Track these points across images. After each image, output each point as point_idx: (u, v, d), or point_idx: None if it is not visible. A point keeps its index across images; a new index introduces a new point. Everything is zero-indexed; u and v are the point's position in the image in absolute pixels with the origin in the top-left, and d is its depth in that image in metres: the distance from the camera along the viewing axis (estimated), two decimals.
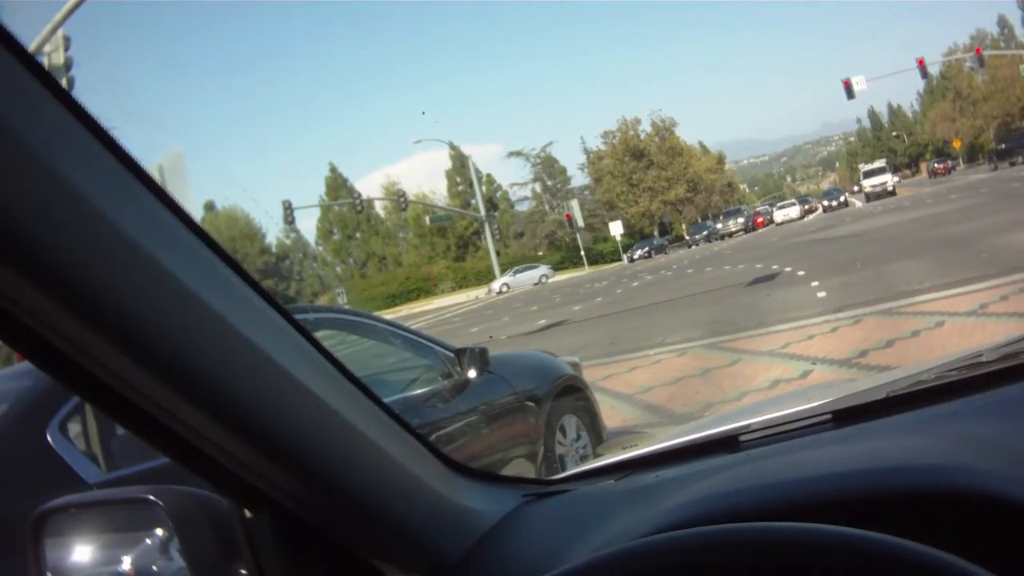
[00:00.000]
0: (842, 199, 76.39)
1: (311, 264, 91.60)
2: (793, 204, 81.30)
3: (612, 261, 73.85)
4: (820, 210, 77.32)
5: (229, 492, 1.24)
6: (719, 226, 77.82)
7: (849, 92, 50.32)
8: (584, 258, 71.98)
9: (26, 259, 0.84)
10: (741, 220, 76.42)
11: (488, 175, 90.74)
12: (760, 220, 76.74)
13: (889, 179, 70.96)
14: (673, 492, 1.37)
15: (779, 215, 76.69)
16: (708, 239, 74.18)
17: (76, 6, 15.77)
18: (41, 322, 0.92)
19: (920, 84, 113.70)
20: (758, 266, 26.96)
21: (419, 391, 6.06)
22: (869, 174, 73.40)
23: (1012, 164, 60.41)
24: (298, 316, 1.20)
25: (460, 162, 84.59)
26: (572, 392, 7.28)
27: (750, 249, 40.37)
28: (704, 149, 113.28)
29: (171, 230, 0.99)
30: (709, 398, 9.76)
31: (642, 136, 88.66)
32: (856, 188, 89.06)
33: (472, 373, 6.16)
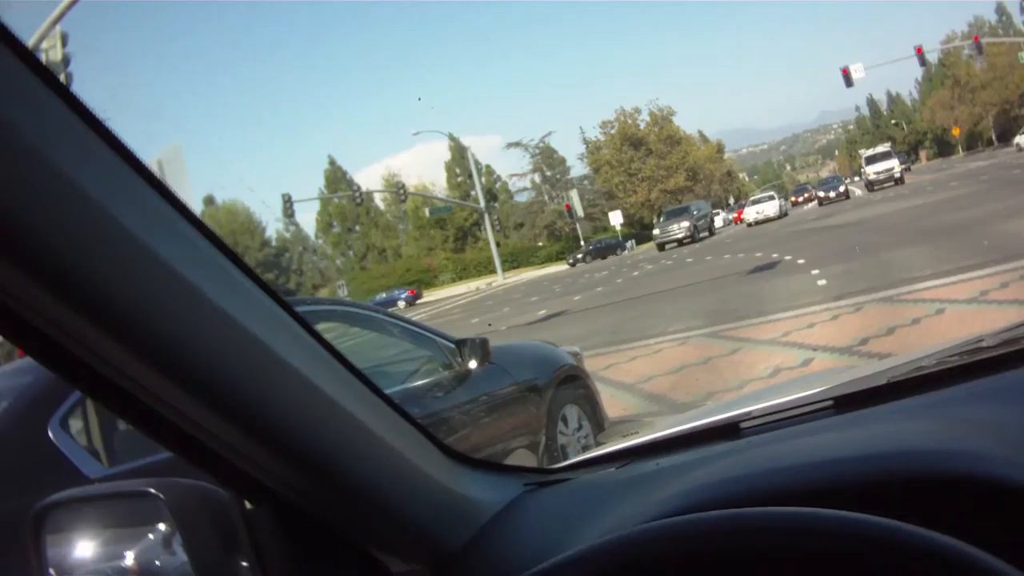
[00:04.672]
0: (842, 189, 61.27)
1: (311, 257, 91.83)
2: (771, 198, 62.57)
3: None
4: (816, 202, 63.31)
5: (230, 484, 1.24)
6: (655, 232, 59.59)
7: (848, 80, 50.27)
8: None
9: (25, 254, 0.84)
10: (686, 224, 56.39)
11: (487, 166, 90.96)
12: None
13: (895, 165, 61.26)
14: (674, 479, 1.37)
15: (751, 213, 60.43)
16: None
17: (74, 2, 15.76)
18: (41, 317, 0.92)
19: (919, 72, 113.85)
20: (758, 255, 26.99)
21: (420, 382, 6.07)
22: (872, 160, 63.36)
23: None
24: (299, 308, 1.20)
25: (459, 153, 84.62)
26: (573, 382, 7.29)
27: (751, 238, 40.38)
28: (703, 138, 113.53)
29: (170, 223, 0.99)
30: (710, 387, 9.76)
31: (641, 126, 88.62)
32: (856, 176, 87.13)
33: (473, 364, 6.17)
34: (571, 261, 67.40)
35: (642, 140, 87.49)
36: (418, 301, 59.09)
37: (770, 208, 58.97)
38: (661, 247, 55.67)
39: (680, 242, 54.63)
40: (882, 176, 60.11)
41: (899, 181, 58.22)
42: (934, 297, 11.60)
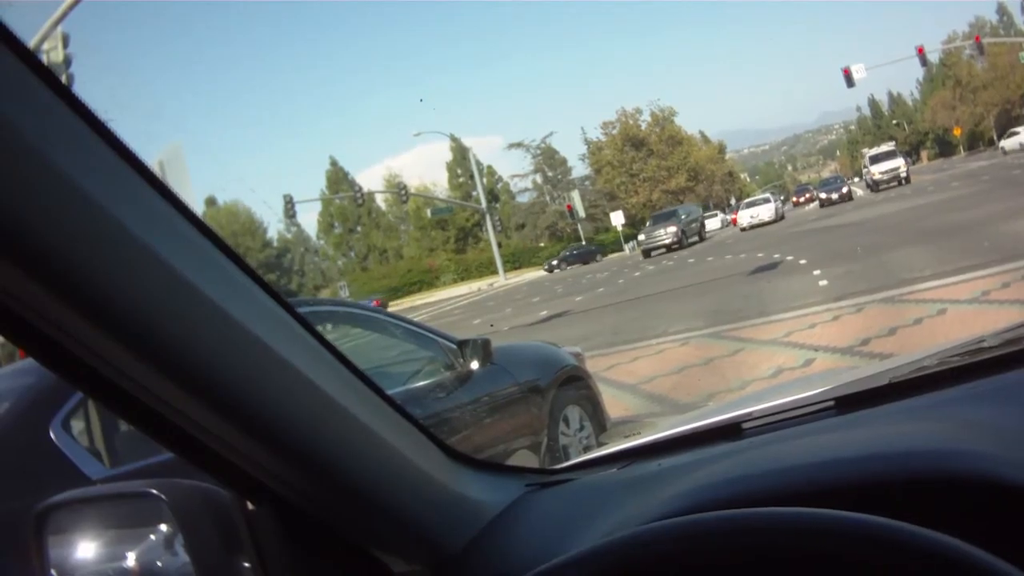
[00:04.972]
0: (844, 190, 55.62)
1: (312, 258, 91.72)
2: (766, 201, 58.24)
3: (613, 252, 73.48)
4: (816, 204, 59.32)
5: (231, 485, 1.24)
6: (641, 237, 55.14)
7: (849, 80, 50.22)
8: None
9: (27, 254, 0.85)
10: (673, 229, 51.86)
11: (489, 167, 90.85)
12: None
13: (901, 164, 57.96)
14: (675, 480, 1.37)
15: (744, 217, 55.87)
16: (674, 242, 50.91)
17: (75, 3, 15.77)
18: (43, 318, 0.92)
19: (920, 72, 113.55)
20: (759, 255, 26.97)
21: (422, 383, 6.07)
22: (877, 159, 60.01)
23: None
24: (300, 309, 1.20)
25: (461, 154, 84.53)
26: (575, 382, 7.29)
27: (752, 239, 40.34)
28: (705, 139, 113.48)
29: (172, 224, 0.99)
30: (712, 387, 9.75)
31: (642, 126, 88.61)
32: (857, 177, 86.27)
33: (475, 364, 6.17)
34: (547, 268, 67.12)
35: (643, 141, 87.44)
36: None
37: (765, 211, 54.74)
38: (647, 253, 50.91)
39: (668, 248, 50.65)
40: (888, 175, 57.06)
41: (906, 181, 55.17)
42: (935, 297, 11.57)
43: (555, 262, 66.67)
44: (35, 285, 0.87)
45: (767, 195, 64.21)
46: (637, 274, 35.85)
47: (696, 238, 54.67)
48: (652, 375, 11.35)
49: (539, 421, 6.64)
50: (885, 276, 14.57)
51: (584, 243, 73.63)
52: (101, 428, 4.77)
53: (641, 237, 54.96)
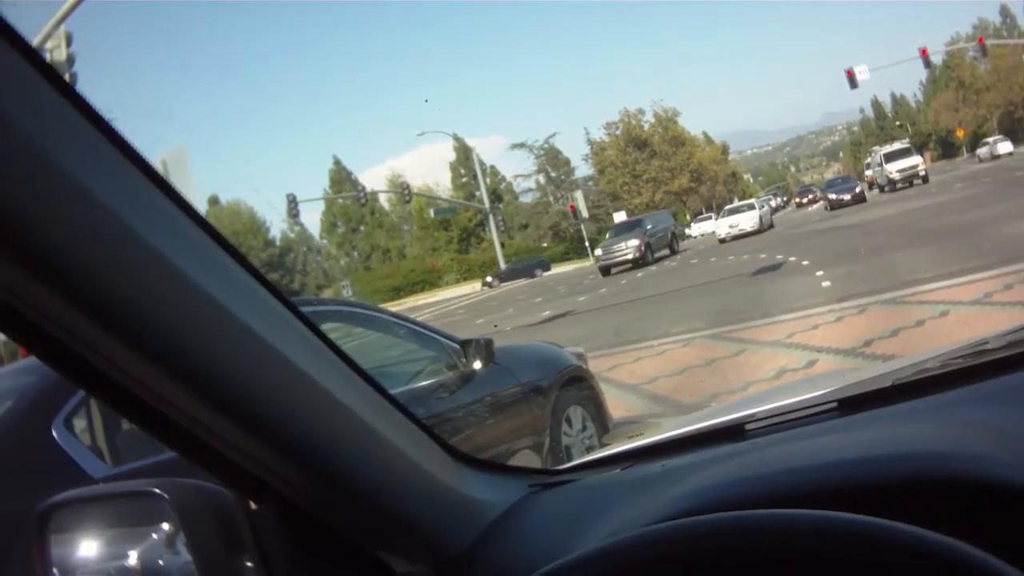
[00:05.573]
0: (858, 190, 49.82)
1: (315, 257, 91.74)
2: (750, 208, 50.77)
3: None
4: (823, 205, 55.26)
5: (234, 484, 1.24)
6: (598, 252, 46.02)
7: (852, 82, 50.09)
8: (589, 249, 71.51)
9: (29, 253, 0.84)
10: (635, 242, 43.54)
11: (492, 167, 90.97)
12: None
13: (919, 162, 53.65)
14: (678, 481, 1.37)
15: (723, 226, 48.71)
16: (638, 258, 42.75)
17: (78, 2, 15.77)
18: (45, 317, 0.92)
19: (923, 74, 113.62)
20: (762, 256, 26.98)
21: (425, 383, 6.07)
22: (892, 157, 54.98)
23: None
24: (303, 308, 1.20)
25: (464, 154, 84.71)
26: (577, 383, 7.29)
27: (753, 240, 40.30)
28: (708, 139, 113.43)
29: (175, 223, 0.99)
30: (714, 388, 9.75)
31: (645, 127, 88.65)
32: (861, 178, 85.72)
33: (477, 364, 6.16)
34: (484, 283, 64.90)
35: (646, 141, 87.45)
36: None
37: (746, 220, 47.42)
38: (605, 271, 43.12)
39: (634, 263, 42.62)
40: (906, 174, 52.05)
41: (923, 180, 50.70)
42: (938, 299, 11.57)
43: (489, 278, 63.57)
44: (37, 283, 0.87)
45: (751, 202, 56.46)
46: (640, 275, 35.85)
47: (667, 250, 47.43)
48: (655, 376, 11.36)
49: (541, 421, 6.64)
50: (888, 277, 14.57)
51: (524, 257, 71.25)
52: (103, 427, 4.77)
53: (598, 252, 46.25)
